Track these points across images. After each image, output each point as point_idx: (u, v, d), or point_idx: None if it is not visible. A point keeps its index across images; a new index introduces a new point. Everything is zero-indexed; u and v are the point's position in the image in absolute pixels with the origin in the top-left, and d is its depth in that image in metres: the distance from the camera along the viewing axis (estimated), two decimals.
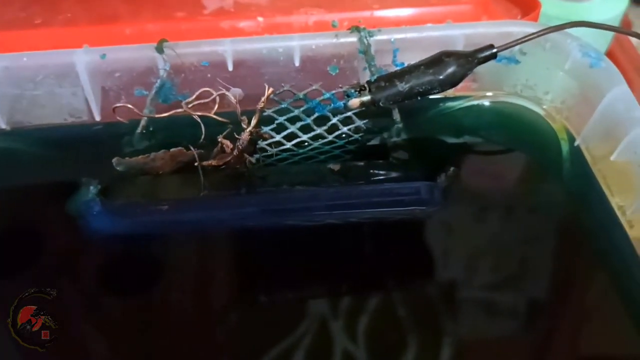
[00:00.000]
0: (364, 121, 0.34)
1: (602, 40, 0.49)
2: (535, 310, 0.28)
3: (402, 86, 0.31)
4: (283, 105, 0.32)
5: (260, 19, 0.38)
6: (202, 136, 0.32)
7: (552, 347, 0.27)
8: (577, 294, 0.29)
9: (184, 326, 0.27)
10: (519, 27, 0.33)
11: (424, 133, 0.36)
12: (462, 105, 0.37)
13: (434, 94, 0.32)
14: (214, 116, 0.30)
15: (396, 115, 0.35)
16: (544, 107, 0.36)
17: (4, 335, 0.25)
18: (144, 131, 0.34)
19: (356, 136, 0.34)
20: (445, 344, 0.26)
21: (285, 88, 0.32)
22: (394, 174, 0.33)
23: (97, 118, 0.34)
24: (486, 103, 0.37)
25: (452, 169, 0.33)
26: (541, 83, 0.35)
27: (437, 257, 0.30)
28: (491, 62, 0.33)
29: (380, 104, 0.32)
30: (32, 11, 0.40)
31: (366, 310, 0.27)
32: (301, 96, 0.32)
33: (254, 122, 0.31)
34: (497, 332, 0.28)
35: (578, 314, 0.29)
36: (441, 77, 0.31)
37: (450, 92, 0.34)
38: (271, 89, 0.30)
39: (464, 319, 0.27)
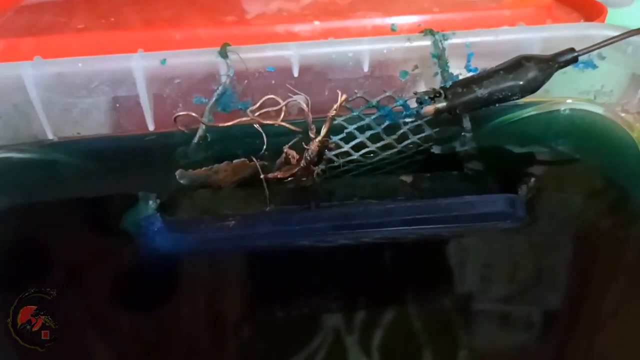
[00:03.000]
0: (435, 130, 0.32)
1: None
2: (619, 327, 0.26)
3: (480, 92, 0.29)
4: (355, 114, 0.30)
5: (316, 22, 0.36)
6: (265, 146, 0.30)
7: None
8: None
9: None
10: (599, 30, 0.32)
11: (493, 142, 0.34)
12: (532, 113, 0.35)
13: (513, 100, 0.30)
14: (285, 124, 0.28)
15: (467, 124, 0.33)
16: (621, 114, 0.34)
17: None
18: (200, 142, 0.32)
19: (425, 145, 0.32)
20: None
21: (358, 94, 0.30)
22: (468, 186, 0.31)
23: (151, 128, 0.32)
24: (558, 110, 0.35)
25: (532, 179, 0.31)
26: (618, 89, 0.33)
27: (524, 271, 0.28)
28: (567, 67, 0.31)
29: (457, 111, 0.30)
30: (73, 16, 0.38)
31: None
32: (374, 103, 0.30)
33: (324, 130, 0.29)
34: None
35: None
36: (522, 82, 0.30)
37: (520, 99, 0.32)
38: (344, 96, 0.28)
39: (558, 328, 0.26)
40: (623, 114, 0.34)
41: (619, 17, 0.50)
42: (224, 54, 0.30)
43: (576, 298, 0.28)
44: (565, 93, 0.35)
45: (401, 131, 0.31)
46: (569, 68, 0.31)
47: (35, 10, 0.40)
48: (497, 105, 0.30)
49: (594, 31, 0.32)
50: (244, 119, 0.29)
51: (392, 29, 0.36)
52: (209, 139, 0.32)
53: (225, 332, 0.26)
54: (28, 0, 0.42)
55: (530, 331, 0.26)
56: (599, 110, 0.34)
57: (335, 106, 0.28)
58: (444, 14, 0.37)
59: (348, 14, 0.37)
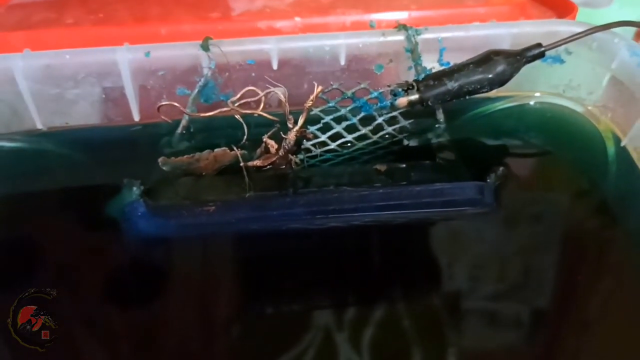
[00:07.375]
0: (409, 121, 0.33)
1: None
2: (585, 316, 0.28)
3: (451, 85, 0.31)
4: (331, 105, 0.32)
5: (297, 19, 0.37)
6: (245, 136, 0.31)
7: None
8: (629, 299, 0.29)
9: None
10: (566, 27, 0.33)
11: (466, 133, 0.36)
12: (503, 106, 0.36)
13: (482, 92, 0.32)
14: (264, 114, 0.30)
15: (440, 116, 0.35)
16: (588, 107, 0.35)
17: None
18: (184, 132, 0.33)
19: (400, 136, 0.34)
20: None
21: (334, 86, 0.31)
22: (440, 175, 0.33)
23: (136, 118, 0.33)
24: (528, 103, 0.36)
25: (501, 168, 0.32)
26: (585, 83, 0.35)
27: (491, 258, 0.29)
28: (535, 62, 0.32)
29: (429, 102, 0.31)
30: (63, 11, 0.39)
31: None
32: (349, 94, 0.31)
33: (301, 121, 0.30)
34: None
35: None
36: (490, 75, 0.31)
37: (492, 93, 0.34)
38: (320, 87, 0.30)
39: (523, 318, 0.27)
40: (590, 107, 0.35)
41: (603, 17, 0.51)
42: (205, 47, 0.31)
43: (541, 283, 0.29)
44: (535, 87, 0.36)
45: (376, 122, 0.33)
46: (539, 63, 0.33)
47: (26, 6, 0.41)
48: (467, 97, 0.31)
49: (561, 27, 0.33)
50: (225, 109, 0.30)
51: (371, 26, 0.37)
52: (192, 129, 0.34)
53: (204, 314, 0.27)
54: None
55: (495, 315, 0.27)
56: (567, 103, 0.36)
57: (311, 97, 0.30)
58: (421, 11, 0.38)
59: (328, 10, 0.38)
